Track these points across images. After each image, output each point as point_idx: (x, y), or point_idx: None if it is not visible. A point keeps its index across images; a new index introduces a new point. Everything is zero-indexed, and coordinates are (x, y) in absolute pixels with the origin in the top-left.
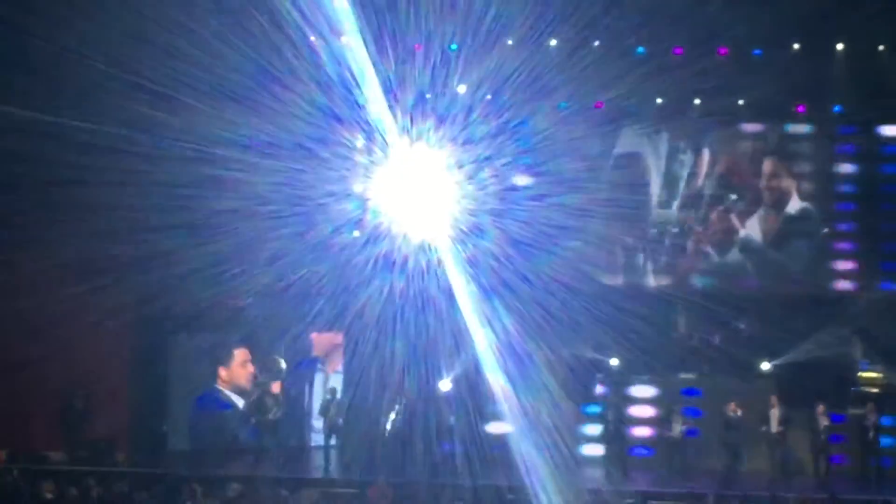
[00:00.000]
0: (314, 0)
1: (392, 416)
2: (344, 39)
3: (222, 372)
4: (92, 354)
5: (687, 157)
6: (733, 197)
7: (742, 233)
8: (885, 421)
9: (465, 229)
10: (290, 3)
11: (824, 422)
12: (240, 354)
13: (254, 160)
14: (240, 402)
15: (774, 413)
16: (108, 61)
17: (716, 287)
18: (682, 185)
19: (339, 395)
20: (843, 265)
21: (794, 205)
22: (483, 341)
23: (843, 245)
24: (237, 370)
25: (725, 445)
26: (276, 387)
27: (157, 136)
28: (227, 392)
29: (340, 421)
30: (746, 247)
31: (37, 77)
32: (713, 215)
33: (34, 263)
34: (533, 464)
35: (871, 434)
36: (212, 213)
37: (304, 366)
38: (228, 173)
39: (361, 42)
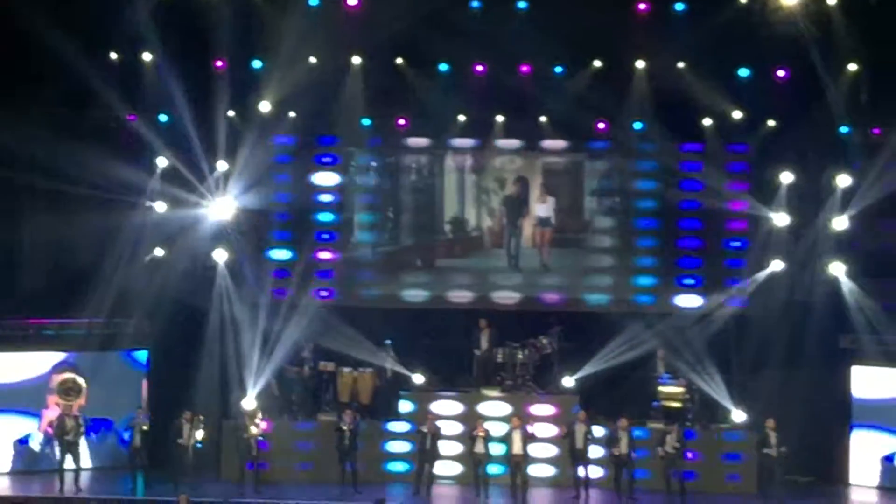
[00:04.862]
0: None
1: (195, 433)
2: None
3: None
4: None
5: (484, 175)
6: (538, 214)
7: (543, 248)
8: (689, 434)
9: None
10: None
11: (625, 437)
12: (53, 380)
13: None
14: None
15: (580, 429)
16: None
17: (520, 302)
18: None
19: (144, 416)
20: (644, 281)
21: (597, 221)
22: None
23: (644, 261)
24: (51, 398)
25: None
26: (76, 407)
27: None
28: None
29: (139, 441)
30: (549, 262)
31: None
32: (512, 231)
33: None
34: None
35: (669, 449)
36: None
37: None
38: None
39: (163, 59)
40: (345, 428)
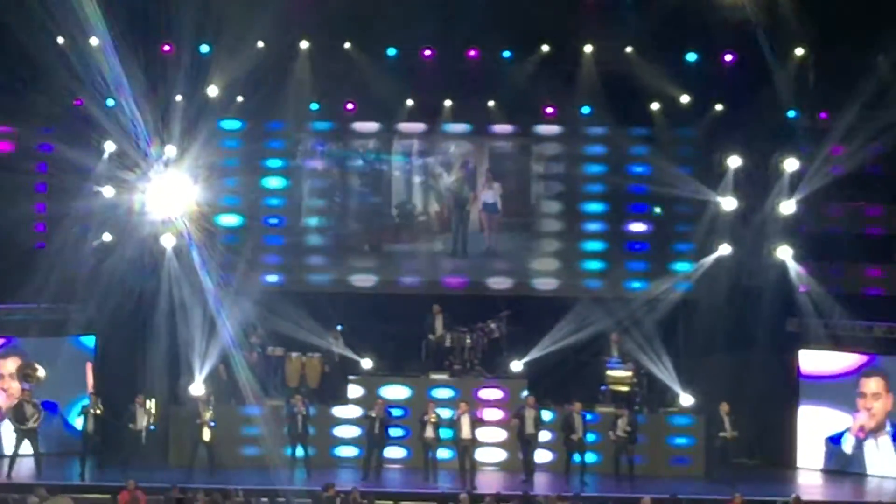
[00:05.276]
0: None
1: (145, 417)
2: (93, 41)
3: None
4: None
5: (432, 160)
6: (484, 199)
7: (489, 233)
8: (639, 419)
9: (216, 232)
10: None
11: (579, 421)
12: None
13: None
14: None
15: (530, 413)
16: None
17: (468, 287)
18: (428, 185)
19: (94, 402)
20: (592, 265)
21: (545, 206)
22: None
23: (592, 245)
24: None
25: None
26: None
27: None
28: None
29: (92, 428)
30: (496, 247)
31: None
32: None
33: None
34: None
35: (620, 433)
36: None
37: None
38: None
39: (111, 44)
40: (303, 412)
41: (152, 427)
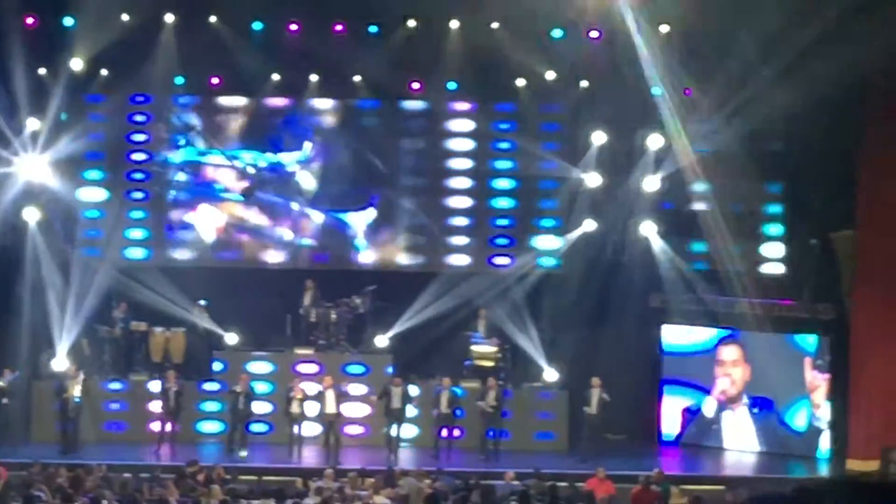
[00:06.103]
0: None
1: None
2: None
3: None
4: None
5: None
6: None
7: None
8: (507, 393)
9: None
10: None
11: (447, 396)
12: None
13: None
14: None
15: (397, 389)
16: None
17: (333, 262)
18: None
19: None
20: (457, 240)
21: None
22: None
23: (457, 221)
24: None
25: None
26: None
27: None
28: None
29: None
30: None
31: None
32: None
33: None
34: None
35: (487, 408)
36: None
37: None
38: None
39: None
40: (175, 388)
41: (5, 400)
